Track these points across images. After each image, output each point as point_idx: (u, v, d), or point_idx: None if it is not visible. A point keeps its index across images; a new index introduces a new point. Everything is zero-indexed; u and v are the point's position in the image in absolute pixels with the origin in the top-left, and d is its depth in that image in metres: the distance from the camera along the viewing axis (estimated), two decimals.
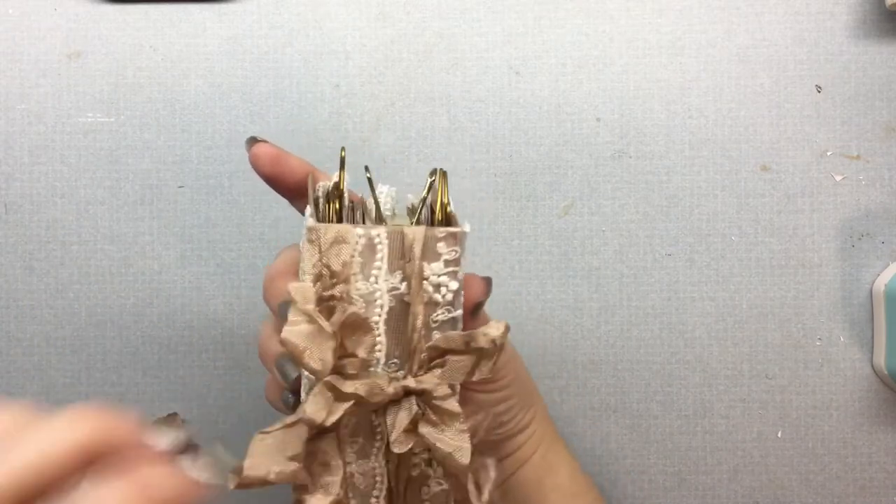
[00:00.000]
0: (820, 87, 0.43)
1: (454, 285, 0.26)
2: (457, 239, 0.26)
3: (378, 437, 0.27)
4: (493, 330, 0.26)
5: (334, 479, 0.26)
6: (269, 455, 0.25)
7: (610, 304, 0.43)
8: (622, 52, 0.44)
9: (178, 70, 0.44)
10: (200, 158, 0.44)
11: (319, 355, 0.25)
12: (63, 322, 0.43)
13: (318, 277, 0.25)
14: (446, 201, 0.28)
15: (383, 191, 0.33)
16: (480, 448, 0.34)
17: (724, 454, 0.43)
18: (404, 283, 0.26)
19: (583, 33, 0.44)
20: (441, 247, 0.26)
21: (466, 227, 0.26)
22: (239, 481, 0.25)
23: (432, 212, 0.28)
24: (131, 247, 0.43)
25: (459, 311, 0.26)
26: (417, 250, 0.26)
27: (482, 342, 0.26)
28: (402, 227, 0.26)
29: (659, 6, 0.44)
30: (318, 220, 0.28)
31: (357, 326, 0.25)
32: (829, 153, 0.43)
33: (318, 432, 0.26)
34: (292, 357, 0.25)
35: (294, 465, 0.25)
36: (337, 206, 0.30)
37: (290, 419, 0.26)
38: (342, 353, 0.25)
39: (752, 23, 0.43)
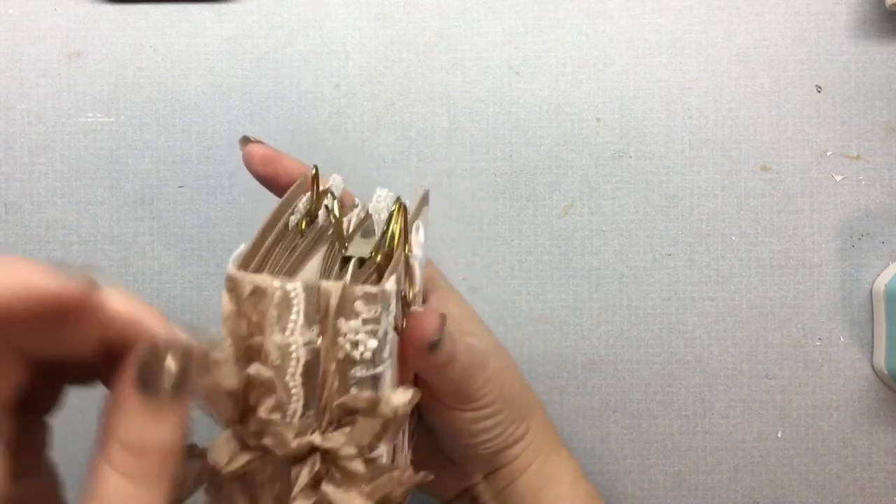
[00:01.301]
0: (820, 87, 0.43)
1: (372, 343, 0.25)
2: (377, 299, 0.25)
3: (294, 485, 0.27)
4: (397, 398, 0.25)
5: None
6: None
7: (610, 304, 0.43)
8: (622, 52, 0.44)
9: (178, 70, 0.44)
10: (200, 158, 0.44)
11: (218, 409, 0.25)
12: None
13: (235, 327, 0.25)
14: (397, 234, 0.28)
15: (381, 194, 0.33)
16: (472, 459, 0.34)
17: (724, 454, 0.43)
18: (320, 338, 0.25)
19: (583, 33, 0.44)
20: (359, 305, 0.25)
21: (389, 286, 0.25)
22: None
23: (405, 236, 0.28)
24: (131, 247, 0.43)
25: (380, 369, 0.26)
26: (333, 306, 0.25)
27: (385, 410, 0.25)
28: (319, 284, 0.25)
29: (659, 6, 0.44)
30: (239, 267, 0.26)
31: (257, 385, 0.25)
32: (829, 153, 0.43)
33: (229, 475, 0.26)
34: (205, 400, 0.25)
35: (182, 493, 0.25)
36: (303, 225, 0.30)
37: (196, 451, 0.26)
38: (246, 406, 0.25)
39: (752, 23, 0.43)
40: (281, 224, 0.29)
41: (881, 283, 0.42)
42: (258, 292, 0.25)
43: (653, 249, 0.43)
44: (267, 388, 0.25)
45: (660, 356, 0.43)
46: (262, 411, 0.25)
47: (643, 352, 0.43)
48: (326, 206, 0.31)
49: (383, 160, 0.44)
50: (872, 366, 0.43)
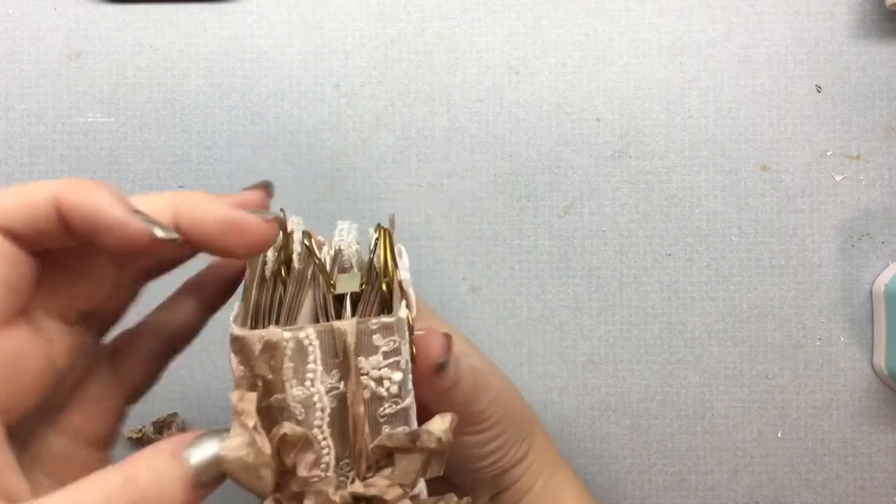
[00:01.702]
0: (820, 87, 0.43)
1: (397, 376, 0.24)
2: (393, 329, 0.24)
3: None
4: (436, 427, 0.24)
5: None
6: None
7: (610, 304, 0.43)
8: (622, 52, 0.44)
9: (178, 70, 0.44)
10: (200, 158, 0.44)
11: (258, 477, 0.23)
12: None
13: (251, 389, 0.24)
14: (390, 260, 0.27)
15: (344, 227, 0.32)
16: (477, 482, 0.33)
17: (724, 454, 0.43)
18: (342, 383, 0.24)
19: (583, 33, 0.44)
20: (377, 339, 0.24)
21: (402, 312, 0.24)
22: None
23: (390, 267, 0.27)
24: None
25: (408, 401, 0.25)
26: (350, 345, 0.24)
27: (427, 442, 0.24)
28: (331, 325, 0.24)
29: (659, 6, 0.44)
30: (246, 324, 0.26)
31: (293, 443, 0.23)
32: (829, 153, 0.43)
33: None
34: (233, 478, 0.23)
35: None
36: (283, 272, 0.29)
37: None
38: (283, 468, 0.24)
39: (752, 23, 0.43)
40: (257, 277, 0.28)
41: (881, 283, 0.42)
42: (269, 347, 0.23)
43: (653, 249, 0.43)
44: (303, 444, 0.24)
45: (660, 356, 0.43)
46: (302, 469, 0.24)
47: (643, 352, 0.43)
48: (307, 247, 0.29)
49: (383, 160, 0.44)
50: (872, 366, 0.43)
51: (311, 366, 0.24)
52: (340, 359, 0.24)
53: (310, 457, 0.24)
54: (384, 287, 0.26)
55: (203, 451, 0.21)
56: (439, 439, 0.24)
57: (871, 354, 0.43)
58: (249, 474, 0.23)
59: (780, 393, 0.43)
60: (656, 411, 0.43)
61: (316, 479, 0.24)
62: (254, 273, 0.28)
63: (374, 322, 0.24)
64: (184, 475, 0.21)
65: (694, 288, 0.43)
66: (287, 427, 0.23)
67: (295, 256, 0.30)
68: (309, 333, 0.24)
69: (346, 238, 0.32)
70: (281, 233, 0.29)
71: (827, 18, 0.43)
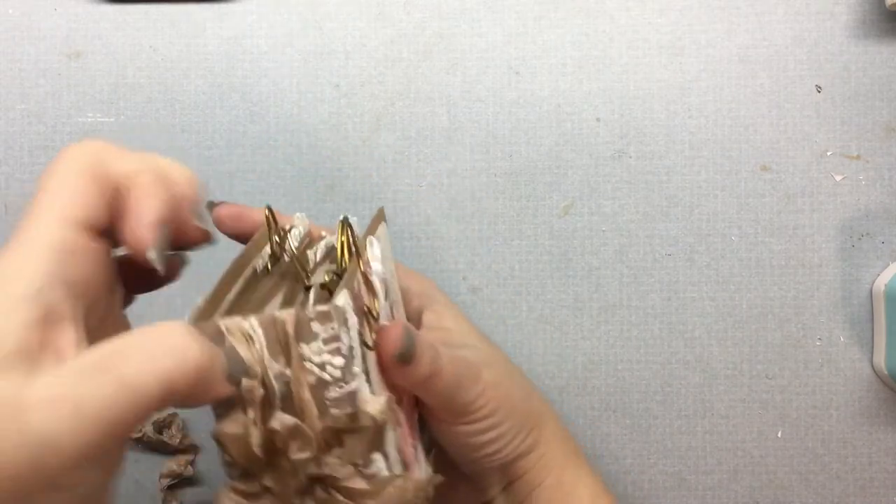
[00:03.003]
0: (820, 87, 0.43)
1: (338, 361, 0.25)
2: (330, 316, 0.25)
3: None
4: (371, 407, 0.25)
5: None
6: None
7: (610, 304, 0.43)
8: (622, 52, 0.44)
9: (178, 70, 0.44)
10: (200, 158, 0.44)
11: (243, 457, 0.25)
12: None
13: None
14: (339, 249, 0.28)
15: (299, 216, 0.34)
16: (485, 472, 0.34)
17: (724, 454, 0.43)
18: (288, 369, 0.25)
19: (583, 33, 0.44)
20: (315, 326, 0.25)
21: (340, 300, 0.25)
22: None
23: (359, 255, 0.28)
24: None
25: (353, 385, 0.26)
26: (290, 333, 0.25)
27: (364, 421, 0.25)
28: (273, 315, 0.25)
29: (659, 6, 0.44)
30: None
31: (284, 433, 0.25)
32: (829, 153, 0.43)
33: None
34: (227, 449, 0.25)
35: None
36: (269, 267, 0.30)
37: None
38: (272, 448, 0.25)
39: (752, 23, 0.43)
40: (249, 271, 0.30)
41: (881, 283, 0.42)
42: (219, 338, 0.25)
43: (653, 249, 0.43)
44: (292, 432, 0.25)
45: (660, 356, 0.43)
46: (293, 452, 0.25)
47: (643, 352, 0.43)
48: (277, 241, 0.31)
49: (383, 160, 0.44)
50: (872, 366, 0.43)
51: (256, 354, 0.25)
52: (283, 346, 0.25)
53: (298, 442, 0.25)
54: (333, 277, 0.27)
55: None
56: (373, 417, 0.25)
57: (871, 354, 0.43)
58: (235, 447, 0.25)
59: (780, 393, 0.43)
60: (656, 411, 0.43)
61: (305, 460, 0.25)
62: (237, 269, 0.29)
63: (311, 311, 0.25)
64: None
65: (694, 288, 0.43)
66: (277, 420, 0.25)
67: (292, 248, 0.31)
68: (252, 322, 0.25)
69: (298, 232, 0.33)
70: (270, 227, 0.31)
71: (827, 18, 0.43)
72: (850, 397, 0.43)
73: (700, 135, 0.43)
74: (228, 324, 0.25)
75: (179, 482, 0.42)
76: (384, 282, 0.30)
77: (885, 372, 0.42)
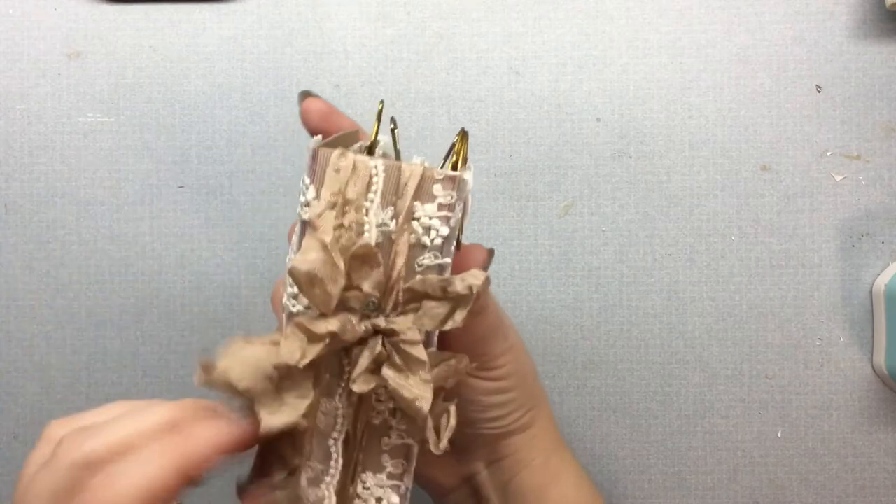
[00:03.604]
0: (820, 87, 0.43)
1: (444, 230, 0.25)
2: (455, 183, 0.25)
3: (345, 377, 0.27)
4: (472, 278, 0.25)
5: (303, 402, 0.25)
6: (246, 366, 0.25)
7: (610, 304, 0.43)
8: (622, 52, 0.44)
9: (178, 70, 0.44)
10: (200, 158, 0.44)
11: (327, 290, 0.24)
12: (63, 322, 0.43)
13: (332, 205, 0.25)
14: (457, 159, 0.27)
15: (416, 161, 0.33)
16: (475, 442, 0.33)
17: (724, 454, 0.43)
18: (394, 221, 0.25)
19: (583, 33, 0.44)
20: (437, 188, 0.25)
21: (467, 175, 0.25)
22: (207, 378, 0.25)
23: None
24: (131, 247, 0.43)
25: (447, 260, 0.25)
26: (411, 188, 0.25)
27: (459, 288, 0.25)
28: (399, 163, 0.25)
29: (659, 6, 0.44)
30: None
31: (366, 260, 0.25)
32: (829, 153, 0.43)
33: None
34: (299, 288, 0.24)
35: (266, 385, 0.25)
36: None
37: (274, 338, 0.25)
38: (347, 284, 0.25)
39: (752, 23, 0.43)
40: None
41: (881, 283, 0.42)
42: (347, 163, 0.24)
43: (653, 249, 0.43)
44: (372, 262, 0.25)
45: (660, 356, 0.43)
46: (367, 286, 0.25)
47: (643, 352, 0.43)
48: (370, 143, 0.30)
49: None
50: (872, 366, 0.43)
51: (371, 196, 0.25)
52: (397, 198, 0.25)
53: (376, 275, 0.25)
54: (454, 160, 0.27)
55: None
56: (470, 287, 0.25)
57: (871, 354, 0.43)
58: (317, 287, 0.24)
59: (780, 393, 0.43)
60: (656, 411, 0.43)
61: (373, 296, 0.25)
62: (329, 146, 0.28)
63: (439, 172, 0.25)
64: None
65: (694, 288, 0.43)
66: (363, 241, 0.24)
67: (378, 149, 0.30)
68: (377, 164, 0.25)
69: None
70: (379, 119, 0.30)
71: (827, 18, 0.43)
72: (850, 397, 0.43)
73: (700, 135, 0.43)
74: (357, 158, 0.25)
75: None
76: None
77: (885, 372, 0.42)
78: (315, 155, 0.25)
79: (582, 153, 0.43)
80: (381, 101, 0.30)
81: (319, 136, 0.26)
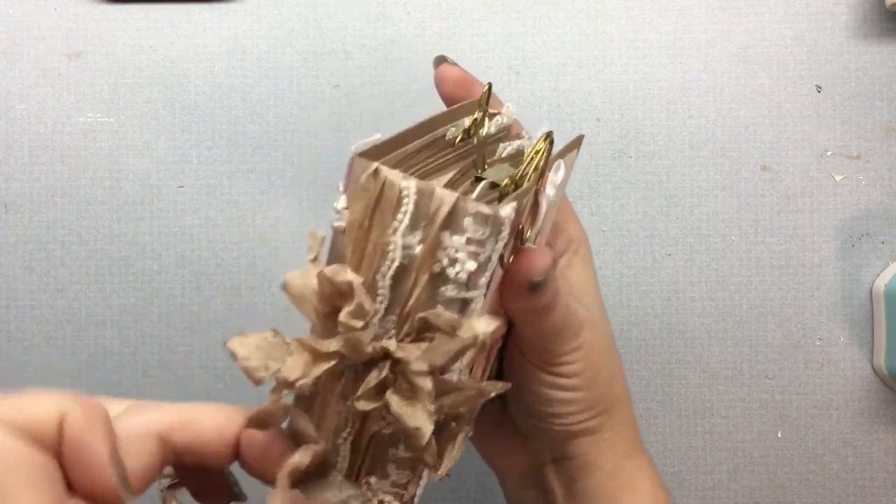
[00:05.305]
0: (820, 87, 0.43)
1: (471, 265, 0.24)
2: (487, 220, 0.23)
3: (361, 385, 0.26)
4: (480, 325, 0.24)
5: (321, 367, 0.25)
6: (260, 352, 0.25)
7: (610, 304, 0.43)
8: (622, 52, 0.44)
9: (178, 70, 0.44)
10: (200, 158, 0.44)
11: (304, 302, 0.24)
12: (63, 322, 0.43)
13: (359, 224, 0.25)
14: (534, 163, 0.26)
15: (508, 106, 0.33)
16: (542, 436, 0.32)
17: (724, 454, 0.43)
18: (420, 246, 0.24)
19: (583, 33, 0.44)
20: (468, 221, 0.24)
21: (504, 211, 0.23)
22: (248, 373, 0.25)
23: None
24: (131, 247, 0.43)
25: (472, 294, 0.24)
26: (441, 216, 0.24)
27: (464, 332, 0.24)
28: (434, 188, 0.24)
29: (659, 6, 0.44)
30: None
31: (342, 295, 0.24)
32: (829, 153, 0.43)
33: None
34: (293, 301, 0.25)
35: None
36: (458, 139, 0.29)
37: (268, 334, 0.25)
38: (335, 307, 0.25)
39: (752, 23, 0.43)
40: (437, 134, 0.28)
41: (881, 283, 0.42)
42: (376, 184, 0.24)
43: (652, 249, 0.43)
44: (345, 292, 0.24)
45: (660, 356, 0.43)
46: (343, 315, 0.24)
47: (643, 352, 0.43)
48: (477, 119, 0.29)
49: None
50: (872, 366, 0.43)
51: (400, 216, 0.24)
52: (426, 223, 0.24)
53: (350, 306, 0.24)
54: (509, 182, 0.26)
55: None
56: (476, 336, 0.24)
57: (871, 354, 0.43)
58: (300, 301, 0.24)
59: (780, 393, 0.43)
60: (656, 411, 0.43)
61: (351, 327, 0.24)
62: (427, 127, 0.28)
63: (473, 206, 0.23)
64: None
65: (694, 288, 0.43)
66: (330, 270, 0.24)
67: (485, 133, 0.29)
68: (410, 186, 0.24)
69: (504, 118, 0.32)
70: (481, 103, 0.29)
71: (827, 18, 0.43)
72: (850, 397, 0.43)
73: (700, 135, 0.43)
74: (389, 173, 0.24)
75: (179, 482, 0.42)
76: (548, 208, 0.29)
77: (885, 372, 0.42)
78: (351, 164, 0.25)
79: (582, 153, 0.43)
80: (489, 84, 0.29)
81: (361, 143, 0.25)
